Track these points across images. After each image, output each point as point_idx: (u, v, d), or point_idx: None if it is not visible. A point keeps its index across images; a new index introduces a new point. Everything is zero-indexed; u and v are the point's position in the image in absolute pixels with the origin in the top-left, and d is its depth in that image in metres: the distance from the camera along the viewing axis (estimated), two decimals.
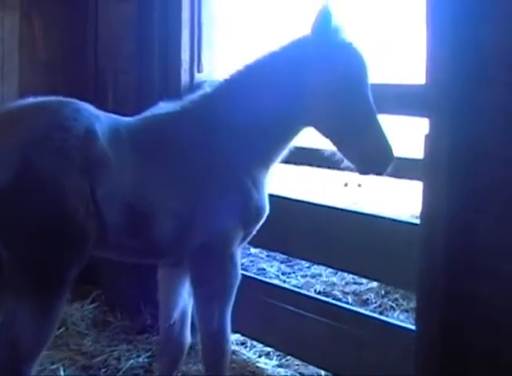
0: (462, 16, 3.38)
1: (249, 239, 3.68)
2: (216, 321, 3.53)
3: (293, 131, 3.62)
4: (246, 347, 5.08)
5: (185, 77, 4.88)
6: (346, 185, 10.78)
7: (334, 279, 6.45)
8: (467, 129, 3.42)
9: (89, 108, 3.35)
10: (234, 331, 5.03)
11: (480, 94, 3.38)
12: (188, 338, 3.83)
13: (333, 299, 5.94)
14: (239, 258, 3.60)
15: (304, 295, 4.69)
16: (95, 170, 3.19)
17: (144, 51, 5.03)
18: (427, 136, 3.54)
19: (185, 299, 3.75)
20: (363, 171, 3.46)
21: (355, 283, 6.31)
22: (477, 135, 3.40)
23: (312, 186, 9.93)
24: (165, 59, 4.93)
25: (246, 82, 3.57)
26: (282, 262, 7.02)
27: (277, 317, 4.65)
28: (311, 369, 4.64)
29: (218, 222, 3.46)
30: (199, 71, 4.88)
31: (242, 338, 5.13)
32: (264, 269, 6.91)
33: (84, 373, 4.57)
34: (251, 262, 7.05)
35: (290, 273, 6.77)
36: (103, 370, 4.62)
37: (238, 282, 3.57)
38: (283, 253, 5.34)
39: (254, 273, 6.81)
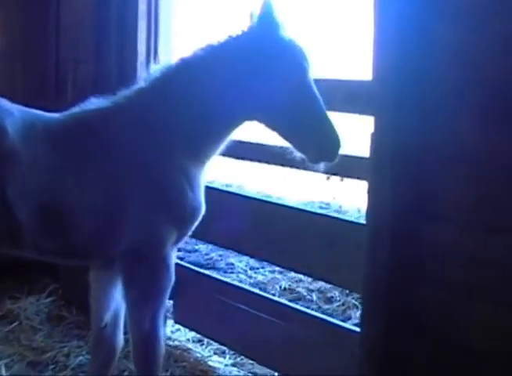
0: (410, 13, 3.29)
1: (184, 240, 3.59)
2: (148, 324, 3.42)
3: (233, 125, 3.51)
4: (202, 344, 4.99)
5: (141, 70, 4.78)
6: (328, 178, 10.67)
7: (302, 276, 6.34)
8: (413, 128, 3.33)
9: (1, 103, 3.25)
10: (190, 329, 5.00)
11: (426, 92, 3.29)
12: (120, 340, 3.72)
13: (298, 296, 5.89)
14: (173, 260, 3.49)
15: (255, 294, 4.59)
16: (4, 167, 3.08)
17: (102, 41, 4.92)
18: (372, 135, 3.45)
19: (118, 301, 3.63)
20: (314, 160, 3.41)
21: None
22: (423, 135, 3.32)
23: (293, 180, 9.85)
24: (122, 50, 4.82)
25: (184, 77, 3.45)
26: (251, 257, 6.90)
27: (230, 316, 4.56)
28: (266, 369, 4.55)
29: (148, 222, 3.35)
30: (155, 64, 4.77)
31: (199, 336, 5.05)
32: (232, 264, 6.82)
33: (32, 369, 4.48)
34: (220, 256, 6.96)
35: (258, 268, 6.68)
36: (51, 366, 4.52)
37: (171, 284, 3.46)
38: (235, 250, 5.23)
39: (222, 268, 6.75)
